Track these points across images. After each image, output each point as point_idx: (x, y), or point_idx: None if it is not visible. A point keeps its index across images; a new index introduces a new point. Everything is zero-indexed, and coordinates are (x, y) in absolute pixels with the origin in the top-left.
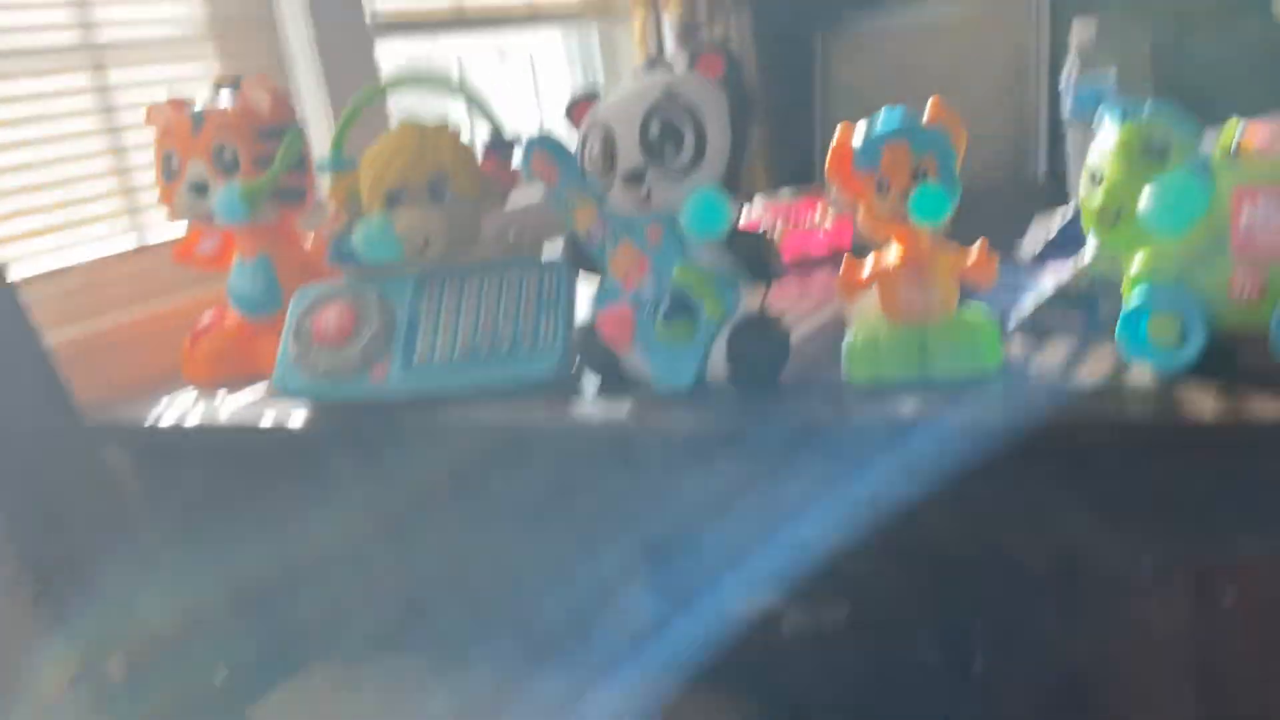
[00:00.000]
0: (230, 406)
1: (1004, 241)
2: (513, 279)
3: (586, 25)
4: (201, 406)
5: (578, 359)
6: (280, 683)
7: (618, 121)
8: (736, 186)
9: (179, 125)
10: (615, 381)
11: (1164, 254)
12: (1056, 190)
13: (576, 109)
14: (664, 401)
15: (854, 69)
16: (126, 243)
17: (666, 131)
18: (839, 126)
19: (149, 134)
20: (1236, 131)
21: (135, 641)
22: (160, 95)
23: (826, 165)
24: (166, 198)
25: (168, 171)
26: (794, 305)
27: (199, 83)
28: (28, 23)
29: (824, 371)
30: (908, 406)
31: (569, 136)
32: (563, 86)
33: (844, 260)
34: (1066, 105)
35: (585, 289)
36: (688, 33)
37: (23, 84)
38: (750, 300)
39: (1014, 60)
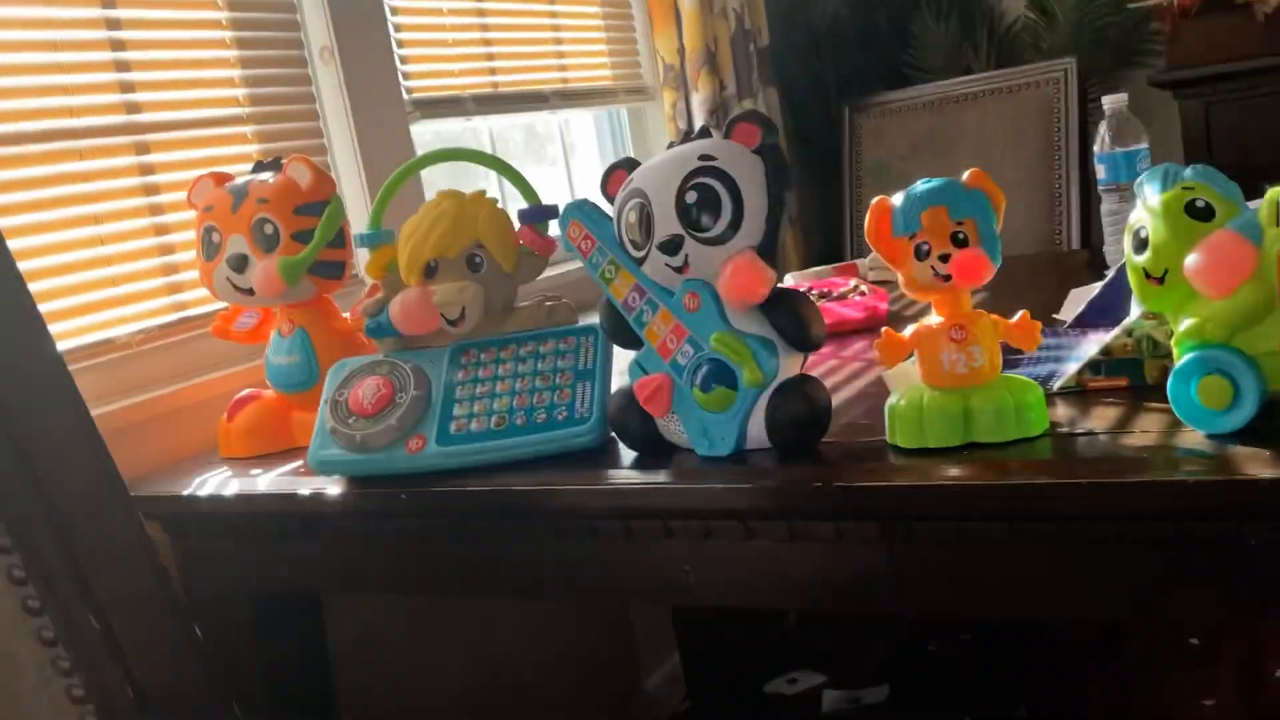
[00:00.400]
0: (266, 481)
1: (1044, 310)
2: (549, 348)
3: (618, 106)
4: (237, 482)
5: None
6: None
7: (654, 190)
8: (774, 253)
9: (220, 201)
10: (653, 450)
11: (1212, 315)
12: (1090, 260)
13: (612, 178)
14: (703, 469)
15: (883, 144)
16: (167, 318)
17: (703, 199)
18: (876, 198)
19: (190, 213)
20: None
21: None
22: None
23: (866, 229)
24: (206, 276)
25: (208, 247)
26: (831, 372)
27: (239, 162)
28: (74, 104)
29: (866, 437)
30: (951, 474)
31: (605, 207)
32: (594, 166)
33: (884, 327)
34: (1099, 176)
35: (623, 357)
36: (718, 111)
37: (69, 164)
38: (789, 366)
39: (1044, 132)
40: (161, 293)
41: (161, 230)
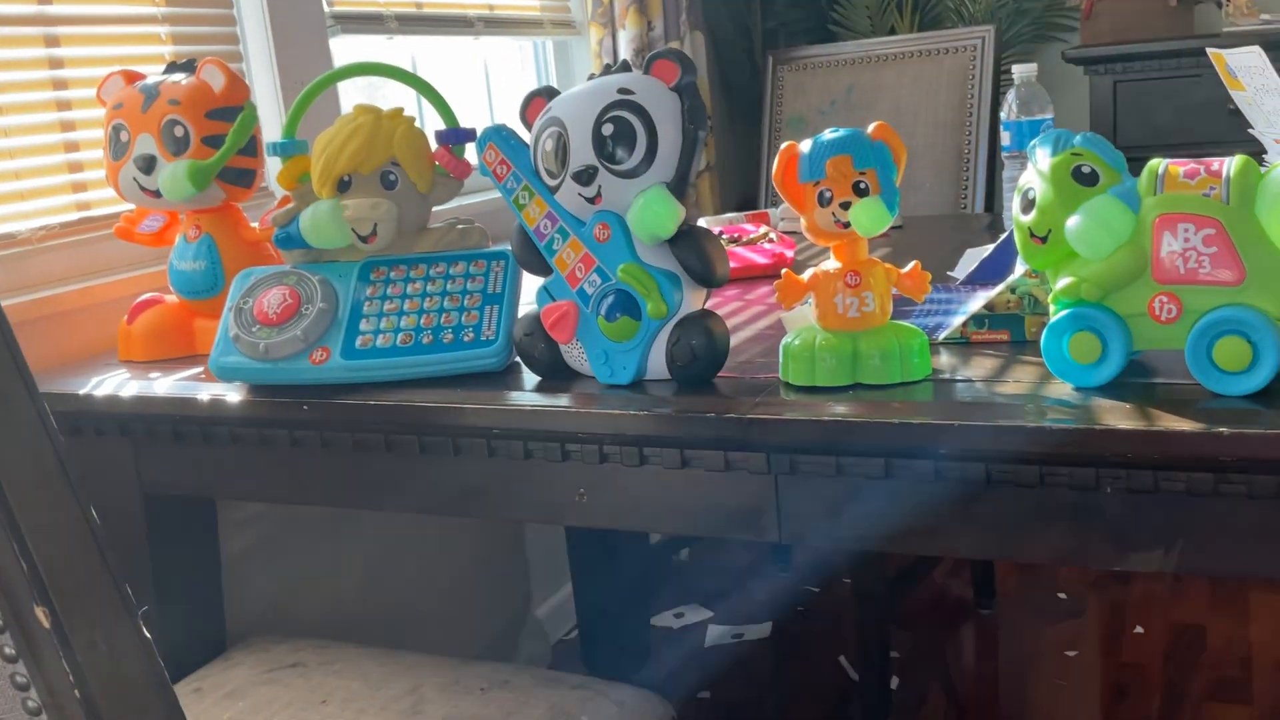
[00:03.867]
0: (165, 384)
1: (940, 268)
2: (459, 270)
3: (544, 38)
4: (135, 384)
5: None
6: (205, 662)
7: (571, 119)
8: (685, 190)
9: (130, 99)
10: (556, 375)
11: (1089, 275)
12: (991, 223)
13: (531, 106)
14: (602, 396)
15: (804, 98)
16: (69, 216)
17: (619, 132)
18: (785, 143)
19: (99, 111)
20: (1160, 166)
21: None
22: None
23: (773, 173)
24: (112, 175)
25: (116, 145)
26: (735, 314)
27: (152, 63)
28: None
29: (761, 374)
30: (836, 411)
31: (524, 134)
32: (516, 94)
33: (785, 271)
34: (1004, 143)
35: (532, 282)
36: (644, 51)
37: None
38: (692, 301)
39: (958, 97)
40: (65, 190)
41: (68, 126)
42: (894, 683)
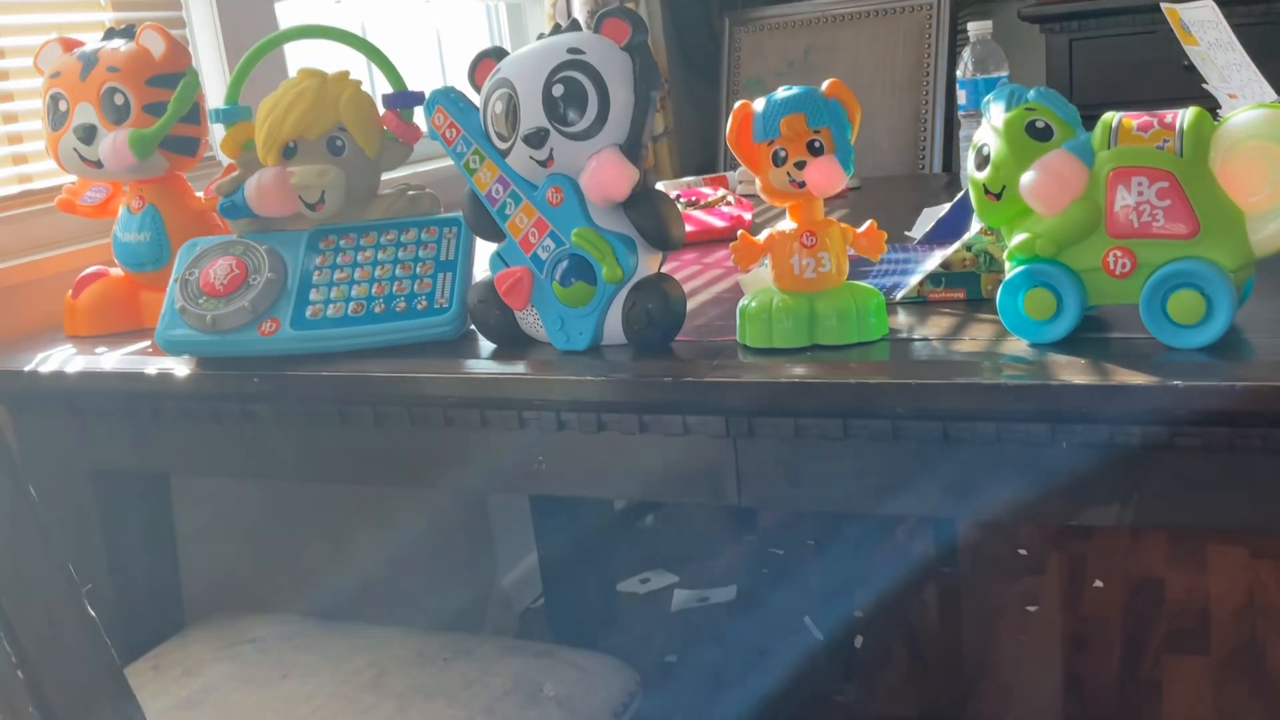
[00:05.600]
0: (112, 359)
1: (897, 228)
2: (411, 238)
3: (497, 1)
4: (82, 359)
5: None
6: (163, 640)
7: (521, 81)
8: (639, 151)
9: (68, 67)
10: (511, 342)
11: (1043, 231)
12: (948, 183)
13: (480, 67)
14: (558, 362)
15: (761, 59)
16: (10, 189)
17: (569, 93)
18: (739, 102)
19: (37, 80)
20: (1114, 119)
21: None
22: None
23: (727, 133)
24: (52, 146)
25: (55, 115)
26: (692, 278)
27: (91, 29)
28: None
29: (718, 337)
30: (794, 372)
31: (473, 96)
32: (467, 58)
33: (740, 232)
34: (961, 101)
35: (485, 248)
36: (597, 13)
37: None
38: (648, 264)
39: (915, 56)
40: (5, 162)
41: (6, 97)
42: (858, 641)
